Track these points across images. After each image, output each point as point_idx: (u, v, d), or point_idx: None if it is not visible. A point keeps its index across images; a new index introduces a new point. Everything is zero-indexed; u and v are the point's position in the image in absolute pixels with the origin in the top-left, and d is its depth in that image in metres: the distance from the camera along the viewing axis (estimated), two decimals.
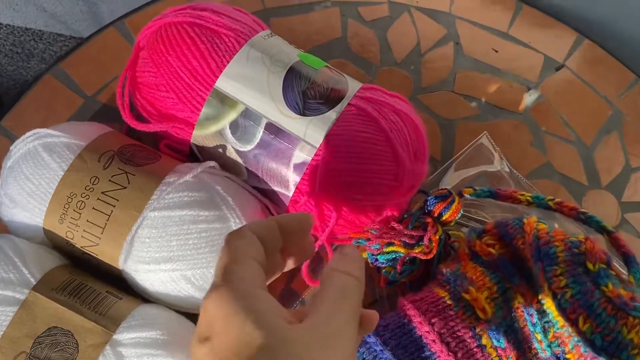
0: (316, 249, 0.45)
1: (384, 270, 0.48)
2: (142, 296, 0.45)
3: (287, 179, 0.46)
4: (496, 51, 0.62)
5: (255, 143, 0.45)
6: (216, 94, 0.45)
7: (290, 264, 0.38)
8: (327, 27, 0.61)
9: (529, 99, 0.60)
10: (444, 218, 0.48)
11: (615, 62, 0.63)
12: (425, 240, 0.47)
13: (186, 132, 0.46)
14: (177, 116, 0.46)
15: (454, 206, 0.47)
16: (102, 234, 0.43)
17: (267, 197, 0.48)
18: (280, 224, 0.34)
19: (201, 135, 0.46)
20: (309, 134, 0.44)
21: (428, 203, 0.48)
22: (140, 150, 0.46)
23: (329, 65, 0.49)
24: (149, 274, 0.42)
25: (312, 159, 0.44)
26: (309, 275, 0.49)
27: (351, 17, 0.62)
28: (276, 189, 0.47)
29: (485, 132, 0.55)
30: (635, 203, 0.57)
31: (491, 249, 0.44)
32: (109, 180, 0.43)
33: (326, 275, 0.32)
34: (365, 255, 0.49)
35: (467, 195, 0.49)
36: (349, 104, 0.46)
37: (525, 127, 0.59)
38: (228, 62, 0.45)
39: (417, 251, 0.47)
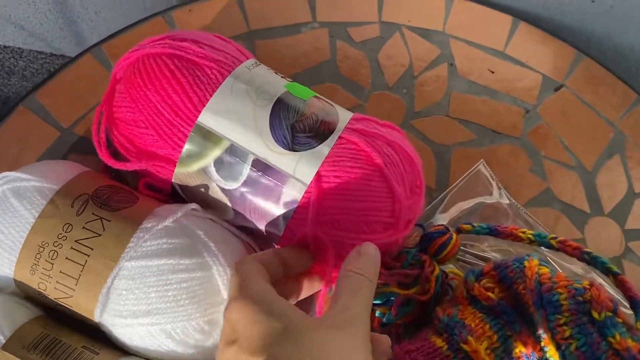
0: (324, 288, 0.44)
1: (378, 312, 0.46)
2: (121, 348, 0.42)
3: (277, 218, 0.43)
4: (492, 72, 0.59)
5: (242, 181, 0.43)
6: (199, 130, 0.42)
7: (303, 293, 0.43)
8: (315, 49, 0.58)
9: (526, 122, 0.58)
10: (441, 256, 0.45)
11: (615, 81, 0.60)
12: (422, 280, 0.44)
13: (167, 170, 0.44)
14: (157, 154, 0.43)
15: (451, 243, 0.45)
16: (76, 285, 0.40)
17: (255, 236, 0.45)
18: (279, 256, 0.39)
19: (184, 174, 0.44)
20: (299, 171, 0.42)
21: (424, 240, 0.46)
22: (116, 192, 0.43)
23: (318, 95, 0.46)
24: (127, 329, 0.40)
25: (303, 197, 0.42)
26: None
27: (340, 39, 0.59)
28: (265, 228, 0.44)
29: (482, 160, 0.53)
30: (639, 230, 0.55)
31: (490, 294, 0.41)
32: (83, 228, 0.40)
33: (341, 276, 0.36)
34: None
35: (465, 232, 0.46)
36: (340, 137, 0.43)
37: (523, 152, 0.57)
38: (211, 95, 0.42)
39: (413, 291, 0.44)
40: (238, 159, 0.42)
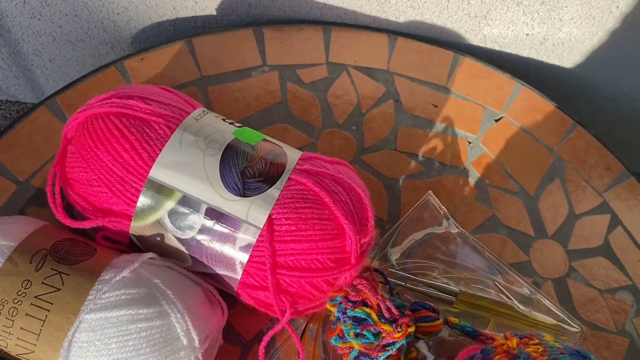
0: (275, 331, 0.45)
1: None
2: None
3: (234, 263, 0.45)
4: (435, 106, 0.62)
5: (197, 230, 0.44)
6: (151, 184, 0.44)
7: None
8: (267, 92, 0.60)
9: (470, 152, 0.61)
10: (422, 325, 0.44)
11: (552, 109, 0.64)
12: (398, 323, 0.42)
13: (124, 224, 0.45)
14: (112, 210, 0.45)
15: (437, 322, 0.45)
16: (37, 340, 0.41)
17: (214, 281, 0.47)
18: None
19: (140, 227, 0.45)
20: (252, 216, 0.44)
21: (416, 303, 0.46)
22: (74, 245, 0.44)
23: (267, 137, 0.48)
24: None
25: (257, 240, 0.44)
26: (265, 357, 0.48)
27: (290, 81, 0.61)
28: (223, 273, 0.46)
29: (429, 191, 0.55)
30: (581, 250, 0.58)
31: None
32: (42, 283, 0.41)
33: None
34: (334, 310, 0.44)
35: (450, 324, 0.46)
36: (289, 178, 0.45)
37: (469, 181, 0.59)
38: (160, 150, 0.44)
39: (385, 327, 0.42)
40: (191, 209, 0.44)
